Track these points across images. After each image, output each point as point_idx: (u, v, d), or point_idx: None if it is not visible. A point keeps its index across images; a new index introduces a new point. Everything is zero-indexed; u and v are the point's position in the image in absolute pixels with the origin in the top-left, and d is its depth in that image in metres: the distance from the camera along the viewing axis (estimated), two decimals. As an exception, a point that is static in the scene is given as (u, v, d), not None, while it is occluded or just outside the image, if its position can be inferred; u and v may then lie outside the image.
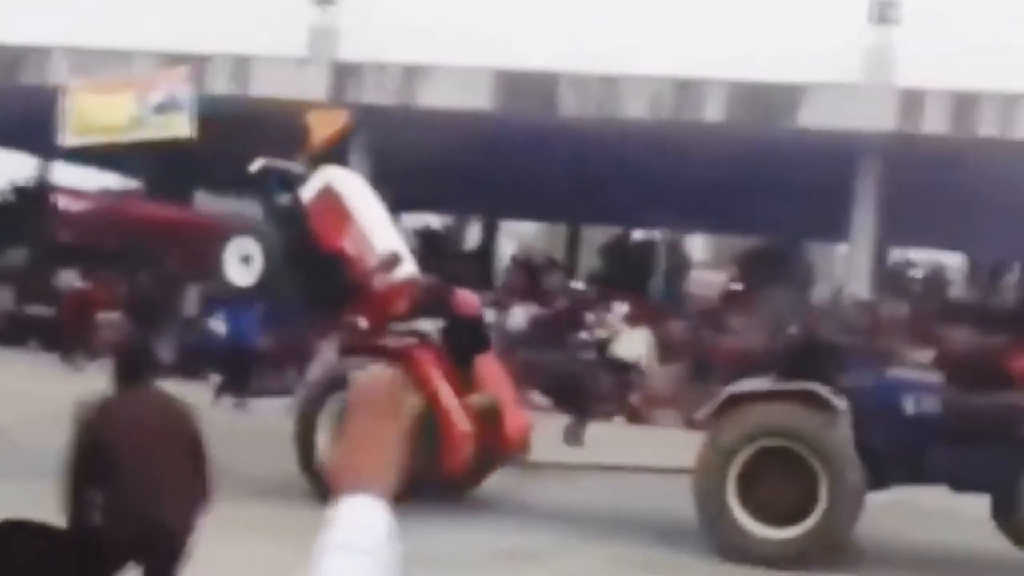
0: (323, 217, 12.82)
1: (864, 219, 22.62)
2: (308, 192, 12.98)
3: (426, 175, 26.02)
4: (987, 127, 20.19)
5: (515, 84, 22.25)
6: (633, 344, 20.53)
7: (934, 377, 12.16)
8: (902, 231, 26.48)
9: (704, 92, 21.61)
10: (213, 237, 14.92)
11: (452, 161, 24.64)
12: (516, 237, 45.29)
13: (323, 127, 13.49)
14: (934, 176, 21.85)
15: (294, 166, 13.21)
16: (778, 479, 10.55)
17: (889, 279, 27.91)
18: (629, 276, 28.86)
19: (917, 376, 12.32)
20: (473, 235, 36.91)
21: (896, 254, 31.94)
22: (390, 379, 1.73)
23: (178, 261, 25.00)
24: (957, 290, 31.84)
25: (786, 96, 21.24)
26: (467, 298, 13.15)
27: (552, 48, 66.00)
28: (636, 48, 69.21)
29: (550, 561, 10.15)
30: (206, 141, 15.94)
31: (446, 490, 11.55)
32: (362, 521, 1.66)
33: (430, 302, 12.56)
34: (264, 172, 13.30)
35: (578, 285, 29.50)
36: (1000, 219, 24.49)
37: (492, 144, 22.88)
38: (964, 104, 20.54)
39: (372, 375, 1.74)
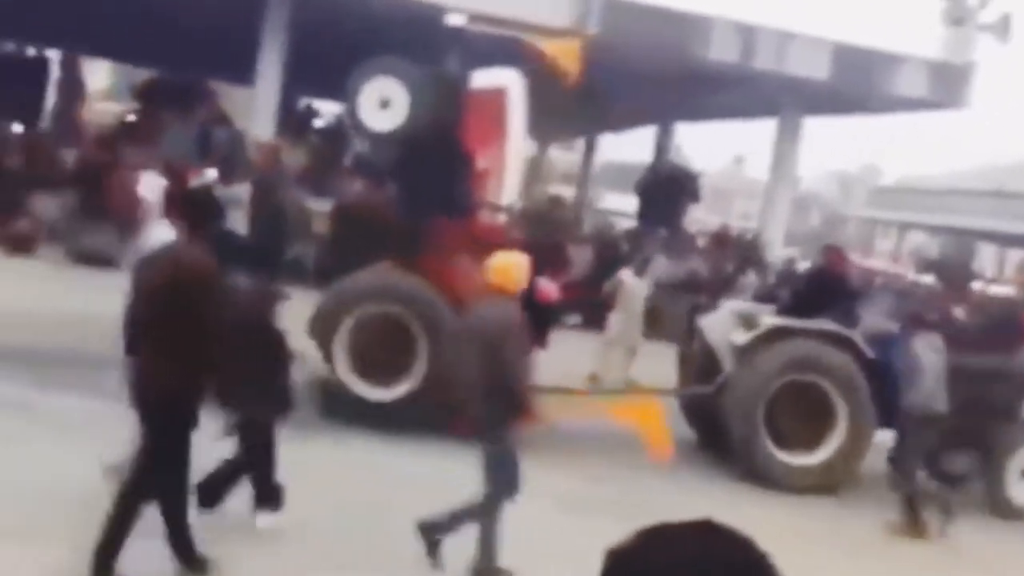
0: (479, 116, 10.94)
1: (271, 62, 22.15)
2: (481, 80, 11.10)
3: None
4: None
5: None
6: None
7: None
8: (308, 79, 26.31)
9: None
10: None
11: None
12: None
13: (564, 56, 11.44)
14: (341, 27, 21.74)
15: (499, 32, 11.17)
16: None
17: (293, 126, 27.80)
18: (16, 98, 26.28)
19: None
20: None
21: (302, 103, 31.96)
22: None
23: None
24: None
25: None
26: (547, 287, 11.82)
27: None
28: None
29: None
30: None
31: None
32: None
33: None
34: (457, 34, 11.25)
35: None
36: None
37: None
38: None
39: None
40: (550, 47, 11.76)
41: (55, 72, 29.52)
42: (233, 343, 6.83)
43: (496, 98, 11.62)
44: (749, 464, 10.97)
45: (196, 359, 5.98)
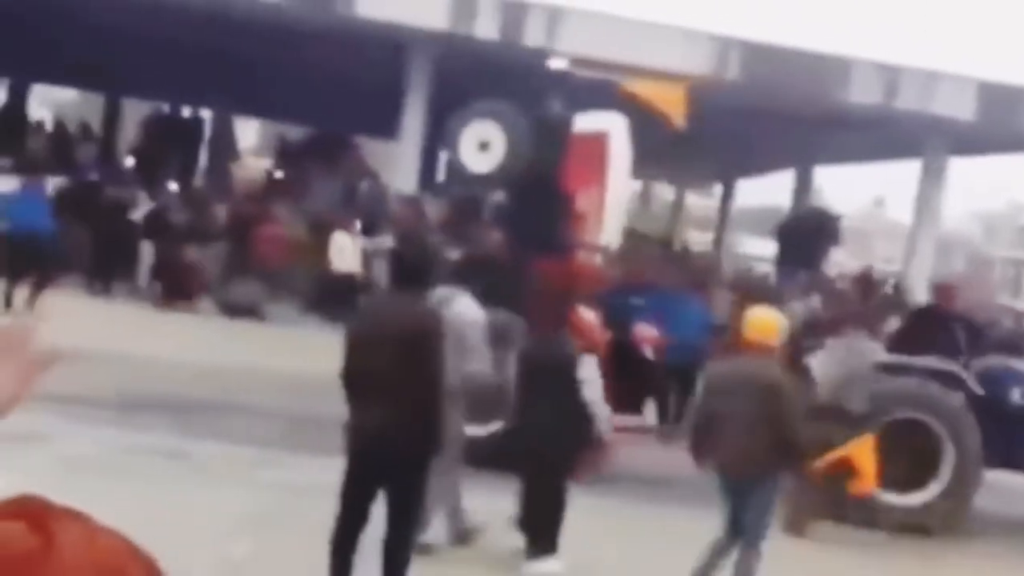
0: (579, 159, 11.20)
1: (414, 116, 22.63)
2: (584, 123, 11.36)
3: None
4: (533, 36, 20.62)
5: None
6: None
7: None
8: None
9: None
10: None
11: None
12: (50, 104, 42.03)
13: (666, 101, 11.58)
14: (486, 80, 22.13)
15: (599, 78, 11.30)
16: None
17: (435, 177, 28.30)
18: (176, 154, 27.42)
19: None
20: (-1, 98, 33.57)
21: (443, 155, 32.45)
22: (22, 328, 1.70)
23: None
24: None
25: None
26: (646, 331, 11.89)
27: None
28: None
29: (56, 444, 9.43)
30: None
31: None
32: None
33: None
34: (560, 76, 11.56)
35: (128, 161, 27.94)
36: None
37: (18, 3, 20.58)
38: (512, 11, 20.85)
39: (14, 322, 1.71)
40: (651, 91, 11.70)
41: (208, 131, 30.64)
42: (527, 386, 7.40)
43: (598, 141, 11.68)
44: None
45: (422, 409, 6.08)
